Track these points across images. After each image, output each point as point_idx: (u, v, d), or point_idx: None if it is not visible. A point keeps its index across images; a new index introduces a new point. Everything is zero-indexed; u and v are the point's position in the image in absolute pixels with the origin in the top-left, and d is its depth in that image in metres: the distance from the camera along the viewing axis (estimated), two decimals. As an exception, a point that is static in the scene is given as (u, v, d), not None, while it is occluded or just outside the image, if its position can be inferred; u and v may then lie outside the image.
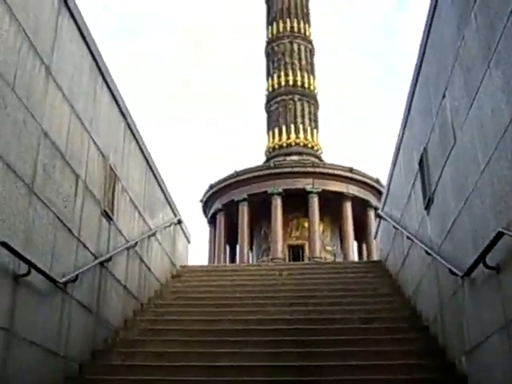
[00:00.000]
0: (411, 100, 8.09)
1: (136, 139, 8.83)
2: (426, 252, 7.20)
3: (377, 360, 6.42)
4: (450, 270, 6.04)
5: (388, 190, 10.71)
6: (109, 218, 7.48)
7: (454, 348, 6.27)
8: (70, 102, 6.21)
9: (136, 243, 8.60)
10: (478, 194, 5.24)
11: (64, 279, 5.84)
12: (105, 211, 7.30)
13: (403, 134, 8.84)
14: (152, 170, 9.86)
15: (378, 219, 12.20)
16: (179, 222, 11.97)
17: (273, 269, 11.61)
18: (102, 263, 7.15)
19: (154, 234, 9.77)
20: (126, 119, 8.30)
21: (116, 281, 7.80)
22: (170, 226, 11.10)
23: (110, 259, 7.36)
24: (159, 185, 10.41)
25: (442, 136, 6.50)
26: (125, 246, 8.08)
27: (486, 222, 5.01)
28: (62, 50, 6.02)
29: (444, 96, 6.27)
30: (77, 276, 6.11)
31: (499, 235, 4.42)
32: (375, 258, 29.95)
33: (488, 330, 5.01)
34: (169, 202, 11.18)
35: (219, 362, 6.51)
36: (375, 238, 13.34)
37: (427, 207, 7.34)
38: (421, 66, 7.38)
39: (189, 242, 13.37)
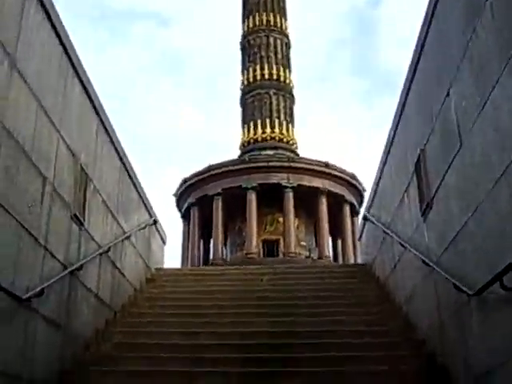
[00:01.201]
0: (405, 98, 7.58)
1: (110, 137, 8.19)
2: (424, 262, 6.71)
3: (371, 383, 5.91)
4: (454, 285, 5.55)
5: (375, 190, 10.21)
6: (79, 223, 6.85)
7: (459, 370, 5.77)
8: (38, 97, 5.57)
9: (109, 248, 7.97)
10: (491, 203, 4.74)
11: (28, 294, 5.21)
12: (75, 215, 6.67)
13: (395, 133, 8.34)
14: (127, 170, 9.21)
15: (363, 221, 11.71)
16: (155, 222, 11.34)
17: (252, 273, 11.05)
18: (71, 272, 6.53)
19: (128, 238, 9.14)
20: (99, 116, 7.65)
21: (87, 290, 7.18)
22: (145, 227, 10.47)
23: (80, 268, 6.74)
24: (134, 185, 9.76)
25: (444, 138, 6.00)
26: (97, 252, 7.46)
27: (502, 235, 4.51)
28: (29, 40, 5.38)
29: (448, 94, 5.75)
30: (43, 289, 5.48)
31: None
32: (351, 255, 30.13)
33: (503, 355, 4.51)
34: (144, 202, 10.53)
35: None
36: (359, 239, 12.86)
37: (424, 213, 6.85)
38: (418, 61, 6.86)
39: (164, 243, 12.74)
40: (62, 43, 6.23)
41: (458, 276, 5.60)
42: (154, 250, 11.62)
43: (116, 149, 8.55)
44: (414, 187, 7.24)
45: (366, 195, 31.75)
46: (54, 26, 5.96)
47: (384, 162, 9.26)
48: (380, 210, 9.95)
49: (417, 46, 6.85)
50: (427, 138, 6.58)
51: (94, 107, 7.44)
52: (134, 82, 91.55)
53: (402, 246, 7.83)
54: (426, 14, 6.37)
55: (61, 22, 6.15)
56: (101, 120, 7.72)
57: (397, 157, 8.42)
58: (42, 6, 5.63)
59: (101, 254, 7.69)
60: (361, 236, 12.58)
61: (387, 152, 8.97)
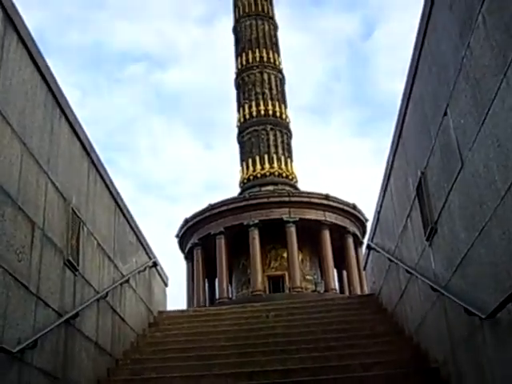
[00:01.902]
0: (402, 121, 7.42)
1: (102, 178, 8.00)
2: (432, 288, 6.46)
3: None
4: (465, 309, 5.31)
5: (377, 219, 9.98)
6: (74, 268, 6.62)
7: (476, 399, 5.49)
8: (22, 138, 5.39)
9: (107, 294, 7.72)
10: (497, 222, 4.53)
11: (19, 347, 4.96)
12: (68, 261, 6.44)
13: (394, 158, 8.16)
14: (122, 211, 9.00)
15: (367, 250, 11.45)
16: (155, 264, 11.07)
17: (258, 310, 10.75)
18: (67, 321, 6.27)
19: (127, 281, 8.88)
20: (89, 156, 7.47)
21: (85, 338, 6.91)
22: (144, 270, 10.20)
23: (76, 315, 6.48)
24: (130, 226, 9.53)
25: (444, 158, 5.81)
26: (94, 298, 7.21)
27: (510, 254, 4.29)
28: (10, 79, 5.22)
29: (445, 113, 5.59)
30: (36, 341, 5.24)
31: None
32: (357, 286, 29.78)
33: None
34: (142, 243, 10.29)
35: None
36: (364, 269, 12.59)
37: (429, 238, 6.62)
38: (413, 82, 6.71)
39: (166, 285, 12.45)
40: (45, 81, 6.07)
41: (468, 300, 5.37)
42: (156, 293, 11.34)
43: (109, 190, 8.35)
44: (417, 212, 7.03)
45: (369, 225, 31.71)
46: (35, 63, 5.80)
47: (384, 189, 9.06)
48: (383, 237, 9.71)
49: (410, 68, 6.71)
50: (427, 160, 6.39)
51: (84, 147, 7.27)
52: (131, 124, 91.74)
53: (409, 272, 7.58)
54: (418, 35, 6.25)
55: (43, 59, 6.01)
56: (92, 161, 7.54)
57: (397, 182, 8.22)
58: (23, 43, 5.48)
59: (98, 300, 7.44)
60: (365, 266, 12.31)
61: (387, 178, 8.77)
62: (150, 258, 10.76)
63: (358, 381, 6.74)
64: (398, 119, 7.59)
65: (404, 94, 7.14)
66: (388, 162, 8.55)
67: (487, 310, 4.78)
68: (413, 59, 6.57)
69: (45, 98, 6.14)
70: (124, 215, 9.12)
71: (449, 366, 6.43)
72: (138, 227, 10.00)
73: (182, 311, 12.59)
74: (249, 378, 6.99)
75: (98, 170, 7.78)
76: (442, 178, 5.96)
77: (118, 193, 8.77)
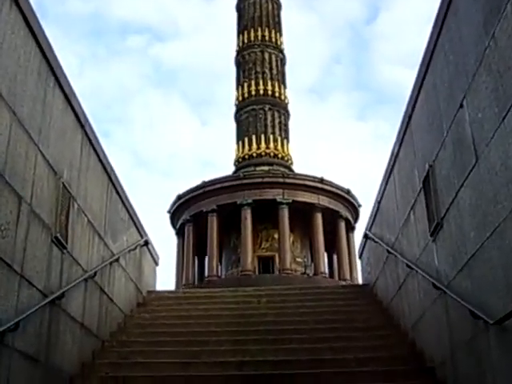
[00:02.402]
0: (412, 111, 7.12)
1: (96, 151, 7.66)
2: (434, 285, 6.21)
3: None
4: (471, 312, 5.07)
5: (377, 208, 9.71)
6: (62, 246, 6.32)
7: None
8: (12, 106, 5.04)
9: (95, 273, 7.43)
10: (513, 223, 4.26)
11: (1, 328, 4.67)
12: (56, 238, 6.13)
13: (400, 147, 7.86)
14: (115, 187, 8.67)
15: (364, 239, 11.20)
16: (146, 243, 10.77)
17: (250, 294, 10.48)
18: (52, 301, 5.98)
19: (117, 260, 8.59)
20: (83, 128, 7.13)
21: (71, 319, 6.63)
22: (135, 249, 9.91)
23: (62, 296, 6.19)
24: (123, 203, 9.21)
25: (457, 153, 5.52)
26: (82, 277, 6.92)
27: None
28: (1, 42, 4.87)
29: (461, 106, 5.29)
30: (18, 322, 4.95)
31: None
32: (347, 271, 29.68)
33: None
34: (134, 221, 9.97)
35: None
36: (360, 257, 12.34)
37: (434, 233, 6.37)
38: (427, 70, 6.39)
39: (157, 264, 12.17)
40: (40, 47, 5.72)
41: (474, 302, 5.15)
42: (146, 272, 11.06)
43: (103, 164, 8.01)
44: (422, 205, 6.77)
45: (362, 210, 31.67)
46: (30, 27, 5.43)
47: (387, 179, 8.77)
48: (383, 228, 9.45)
49: (425, 54, 6.40)
50: (437, 153, 6.11)
51: (79, 119, 6.92)
52: (129, 96, 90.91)
53: (409, 266, 7.33)
54: (436, 19, 5.93)
55: (39, 24, 5.66)
56: (86, 133, 7.20)
57: (402, 173, 7.94)
58: (17, 4, 5.12)
59: (86, 280, 7.15)
60: (361, 255, 12.07)
61: (390, 168, 8.48)
62: (141, 237, 10.46)
63: (351, 376, 6.51)
64: (408, 107, 7.29)
65: (416, 81, 6.82)
66: (393, 151, 8.25)
67: (495, 315, 4.56)
68: (428, 45, 6.25)
69: (39, 66, 5.79)
70: (117, 191, 8.80)
71: (446, 368, 6.20)
72: (130, 204, 9.69)
73: (172, 291, 12.33)
74: (238, 369, 6.75)
75: (91, 143, 7.45)
76: (452, 173, 5.69)
77: (111, 168, 8.44)
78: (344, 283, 27.95)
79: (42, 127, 5.84)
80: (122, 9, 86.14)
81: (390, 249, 8.46)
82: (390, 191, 8.67)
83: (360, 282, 18.84)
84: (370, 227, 10.45)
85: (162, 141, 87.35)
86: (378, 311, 9.14)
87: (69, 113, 6.67)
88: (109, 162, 8.30)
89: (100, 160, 7.87)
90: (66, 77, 6.48)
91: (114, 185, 8.57)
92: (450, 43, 5.61)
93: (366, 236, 10.75)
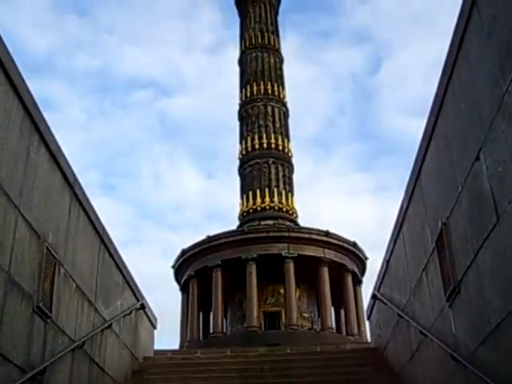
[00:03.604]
0: (421, 164, 6.68)
1: (86, 212, 7.20)
2: (453, 357, 5.64)
3: None
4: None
5: (386, 267, 9.17)
6: (45, 316, 5.80)
7: None
8: (-12, 166, 4.63)
9: (84, 342, 6.88)
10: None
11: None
12: (38, 307, 5.63)
13: (409, 203, 7.40)
14: (107, 249, 8.17)
15: (372, 300, 10.61)
16: (142, 306, 10.20)
17: (253, 361, 9.84)
18: (33, 377, 5.43)
19: (109, 327, 8.03)
20: (72, 188, 6.70)
21: (55, 395, 6.06)
22: (130, 313, 9.34)
23: (44, 370, 5.64)
24: (117, 265, 8.68)
25: (474, 210, 5.05)
26: (68, 348, 6.37)
27: None
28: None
29: (478, 158, 4.85)
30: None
31: None
32: (355, 326, 28.89)
33: None
34: (129, 284, 9.42)
35: None
36: (369, 319, 11.72)
37: (450, 298, 5.85)
38: (436, 120, 5.97)
39: (154, 327, 11.56)
40: (23, 104, 5.34)
41: (502, 379, 4.57)
42: (142, 337, 10.46)
43: (94, 225, 7.54)
44: (435, 266, 6.27)
45: (368, 263, 31.15)
46: (11, 81, 5.07)
47: (396, 237, 8.27)
48: (392, 289, 8.89)
49: (434, 103, 6.00)
50: (451, 210, 5.64)
51: (66, 179, 6.50)
52: (135, 150, 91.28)
53: (423, 333, 6.77)
54: (445, 66, 5.55)
55: (21, 78, 5.29)
56: (75, 193, 6.76)
57: (411, 230, 7.45)
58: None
59: (74, 350, 6.60)
60: (370, 315, 11.45)
61: (399, 225, 7.99)
62: (137, 300, 9.89)
63: None
64: (416, 160, 6.86)
65: (425, 132, 6.41)
66: (402, 207, 7.79)
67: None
68: (438, 92, 5.85)
69: (21, 123, 5.40)
70: (110, 253, 8.30)
71: None
72: (125, 266, 9.16)
73: (170, 357, 11.67)
74: None
75: (81, 203, 7.00)
76: (469, 232, 5.20)
77: (104, 229, 7.96)
78: (352, 338, 27.28)
79: (24, 188, 5.41)
80: (129, 64, 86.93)
81: (401, 313, 7.89)
82: (400, 250, 8.16)
83: (368, 337, 18.25)
84: (378, 287, 9.89)
85: (168, 194, 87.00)
86: (390, 380, 8.47)
87: (55, 172, 6.25)
88: (101, 223, 7.84)
89: (91, 221, 7.41)
90: (52, 134, 6.09)
91: (106, 246, 8.08)
92: (462, 90, 5.21)
93: (374, 297, 10.17)
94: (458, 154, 5.42)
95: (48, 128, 5.99)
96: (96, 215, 7.61)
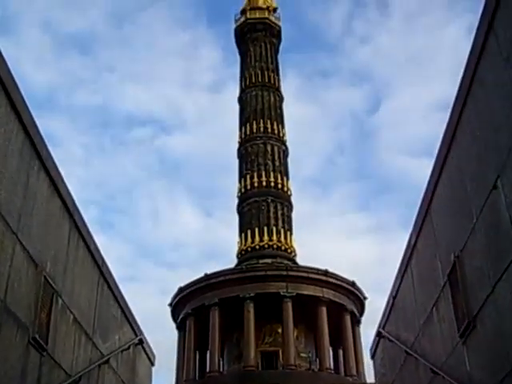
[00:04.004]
0: (432, 195, 6.50)
1: (86, 242, 6.99)
2: (468, 397, 5.39)
3: None
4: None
5: (392, 304, 8.92)
6: (41, 348, 5.55)
7: None
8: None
9: (80, 377, 6.59)
10: None
11: None
12: (34, 339, 5.38)
13: (418, 237, 7.20)
14: (107, 281, 7.92)
15: (377, 338, 10.32)
16: (141, 342, 9.90)
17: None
18: (26, 414, 5.16)
19: (107, 361, 7.74)
20: (72, 217, 6.50)
21: (47, 434, 5.76)
22: (128, 348, 9.04)
23: (38, 407, 5.37)
24: (116, 298, 8.42)
25: (491, 241, 4.86)
26: (64, 383, 6.09)
27: None
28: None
29: (495, 187, 4.67)
30: None
31: None
32: (353, 366, 28.38)
33: None
34: (128, 318, 9.13)
35: None
36: (373, 357, 11.39)
37: (464, 334, 5.60)
38: (449, 148, 5.82)
39: (153, 364, 11.22)
40: (24, 128, 5.21)
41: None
42: (140, 374, 10.11)
43: (94, 257, 7.32)
44: (448, 301, 6.04)
45: (367, 303, 30.79)
46: (14, 107, 4.94)
47: (403, 273, 8.04)
48: (399, 326, 8.63)
49: (446, 131, 5.86)
50: (465, 242, 5.45)
51: (66, 207, 6.31)
52: (134, 187, 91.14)
53: (434, 372, 6.50)
54: (459, 93, 5.43)
55: (23, 102, 5.16)
56: (74, 222, 6.57)
57: (420, 266, 7.24)
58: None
59: (69, 386, 6.31)
60: (374, 354, 11.13)
61: (407, 261, 7.78)
62: (135, 335, 9.59)
63: None
64: (426, 192, 6.69)
65: (436, 162, 6.25)
66: (409, 242, 7.59)
67: None
68: (450, 120, 5.71)
69: (21, 146, 5.24)
70: (109, 286, 8.05)
71: None
72: (124, 300, 8.90)
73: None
74: None
75: (81, 233, 6.80)
76: (486, 265, 5.00)
77: (103, 260, 7.73)
78: (350, 379, 26.81)
79: (23, 213, 5.22)
80: (129, 101, 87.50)
81: (409, 350, 7.63)
82: (407, 286, 7.93)
83: (367, 378, 17.86)
84: (383, 325, 9.62)
85: (167, 231, 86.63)
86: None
87: (55, 199, 6.07)
88: (100, 255, 7.62)
89: (90, 252, 7.20)
90: (52, 160, 5.93)
91: (105, 279, 7.85)
92: (477, 117, 5.07)
93: (379, 334, 9.88)
94: (472, 183, 5.26)
95: (48, 153, 5.84)
96: (96, 246, 7.40)
